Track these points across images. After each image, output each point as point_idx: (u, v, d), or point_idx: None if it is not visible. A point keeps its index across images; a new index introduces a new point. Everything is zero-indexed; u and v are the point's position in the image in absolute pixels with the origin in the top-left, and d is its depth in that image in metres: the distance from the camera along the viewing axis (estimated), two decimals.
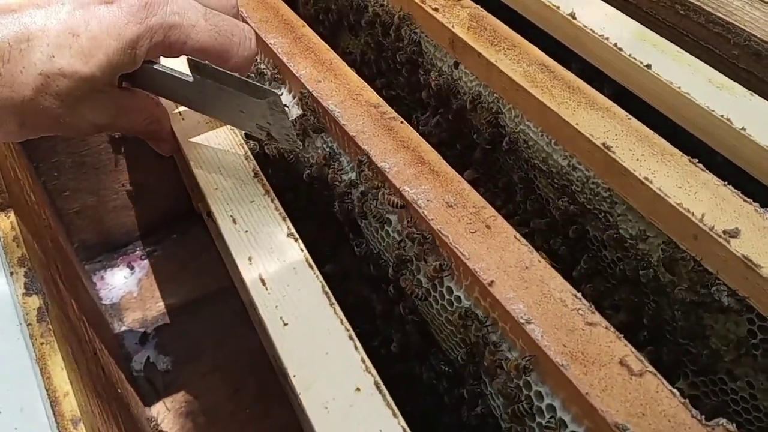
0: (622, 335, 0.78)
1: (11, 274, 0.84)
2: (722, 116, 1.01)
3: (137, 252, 2.01)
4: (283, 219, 0.91)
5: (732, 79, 1.08)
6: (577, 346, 0.77)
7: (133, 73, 0.89)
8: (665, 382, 0.74)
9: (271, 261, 0.85)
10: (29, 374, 0.74)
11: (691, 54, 1.13)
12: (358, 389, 0.72)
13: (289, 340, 0.77)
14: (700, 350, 0.95)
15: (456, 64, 1.23)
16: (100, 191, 1.87)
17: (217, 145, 1.01)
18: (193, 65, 0.90)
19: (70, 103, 0.83)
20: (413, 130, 1.04)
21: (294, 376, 0.74)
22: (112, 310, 1.88)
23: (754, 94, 1.05)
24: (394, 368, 1.14)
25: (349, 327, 0.78)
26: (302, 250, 0.87)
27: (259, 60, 1.25)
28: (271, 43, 1.20)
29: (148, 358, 1.73)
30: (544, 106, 1.06)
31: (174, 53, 0.90)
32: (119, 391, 1.23)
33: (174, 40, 0.86)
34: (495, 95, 1.15)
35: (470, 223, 0.90)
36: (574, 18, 1.20)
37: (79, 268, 1.70)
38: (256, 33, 1.21)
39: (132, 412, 1.31)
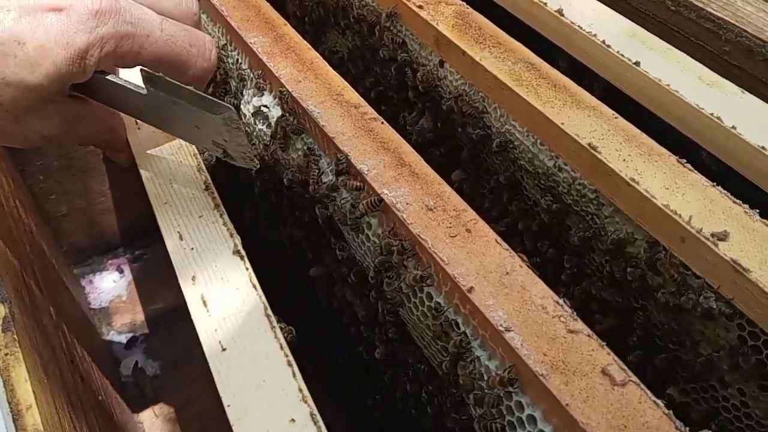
0: (605, 343, 0.75)
1: None
2: (712, 114, 0.99)
3: (127, 255, 1.99)
4: (231, 235, 0.88)
5: (723, 77, 1.05)
6: (558, 354, 0.74)
7: (84, 83, 0.85)
8: (648, 392, 0.71)
9: (215, 281, 0.82)
10: None
11: (682, 51, 1.11)
12: (293, 420, 0.70)
13: (226, 365, 0.75)
14: (690, 356, 0.93)
15: (441, 63, 1.20)
16: (87, 194, 1.85)
17: (170, 156, 0.98)
18: (146, 77, 0.87)
19: (17, 114, 0.80)
20: (394, 131, 1.02)
21: (228, 405, 0.71)
22: (101, 315, 1.86)
23: (745, 91, 1.02)
24: (381, 375, 1.12)
25: (288, 353, 0.75)
26: (247, 269, 0.84)
27: (240, 60, 1.23)
28: (251, 43, 1.18)
29: (137, 363, 1.71)
30: (529, 105, 1.03)
31: (127, 63, 0.86)
32: (100, 398, 1.21)
33: (126, 50, 0.83)
34: (480, 94, 1.12)
35: (450, 227, 0.88)
36: (562, 15, 1.17)
37: (65, 273, 1.68)
38: (236, 32, 1.19)
39: (116, 420, 1.29)
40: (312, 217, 1.09)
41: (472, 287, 0.81)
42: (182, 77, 0.88)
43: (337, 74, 1.12)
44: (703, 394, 0.93)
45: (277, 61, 1.14)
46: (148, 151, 0.99)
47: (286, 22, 1.23)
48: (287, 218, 1.24)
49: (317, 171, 1.03)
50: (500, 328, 0.76)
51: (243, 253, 0.85)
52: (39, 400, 0.74)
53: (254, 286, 0.82)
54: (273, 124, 1.11)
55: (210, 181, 0.94)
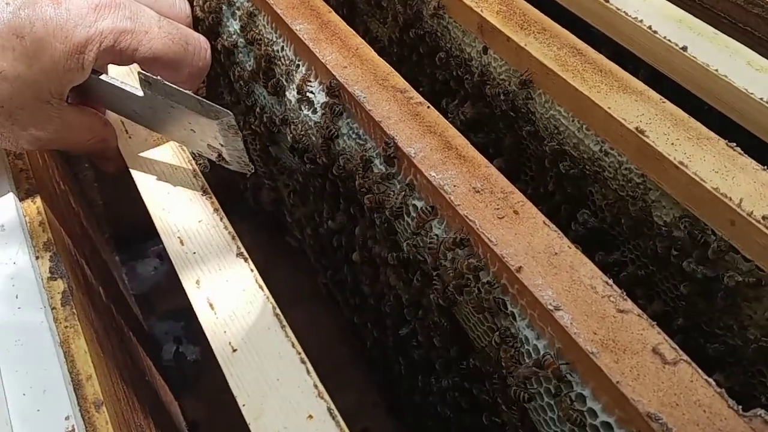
0: (655, 323, 0.75)
1: (36, 258, 0.84)
2: (761, 99, 0.98)
3: None
4: (233, 238, 0.89)
5: None
6: (608, 333, 0.74)
7: (80, 85, 0.86)
8: (700, 371, 0.71)
9: (220, 283, 0.83)
10: (53, 357, 0.73)
11: (730, 37, 1.10)
12: (310, 416, 0.70)
13: (238, 366, 0.75)
14: (738, 341, 0.92)
15: (485, 50, 1.20)
16: (128, 182, 1.87)
17: (164, 162, 0.98)
18: (144, 79, 0.87)
19: (11, 111, 0.79)
20: (440, 114, 1.02)
21: (243, 405, 0.72)
22: (142, 301, 1.89)
23: None
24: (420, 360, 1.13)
25: (300, 350, 0.76)
26: (252, 270, 0.85)
27: (285, 47, 1.24)
28: (297, 30, 1.19)
29: (177, 348, 1.74)
30: (575, 90, 1.03)
31: (125, 61, 0.86)
32: (147, 379, 1.23)
33: (125, 46, 0.83)
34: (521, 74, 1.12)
35: (498, 209, 0.88)
36: (608, 1, 1.17)
37: (108, 258, 1.71)
38: (282, 19, 1.21)
39: (162, 401, 1.31)
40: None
41: (520, 267, 0.81)
42: (178, 76, 0.88)
43: (382, 60, 1.13)
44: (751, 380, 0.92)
45: (323, 47, 1.15)
46: (143, 157, 0.99)
47: (331, 10, 1.24)
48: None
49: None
50: (549, 307, 0.77)
51: (246, 255, 0.85)
52: (98, 371, 0.76)
53: (261, 287, 0.83)
54: (318, 109, 1.12)
55: (207, 185, 0.94)
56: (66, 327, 0.78)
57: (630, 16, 1.14)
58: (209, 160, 1.01)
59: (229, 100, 1.55)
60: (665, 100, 0.99)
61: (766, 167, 0.89)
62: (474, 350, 0.95)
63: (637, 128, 0.95)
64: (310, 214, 1.41)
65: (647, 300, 1.06)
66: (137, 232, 1.98)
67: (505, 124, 1.21)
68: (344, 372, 1.68)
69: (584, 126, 1.04)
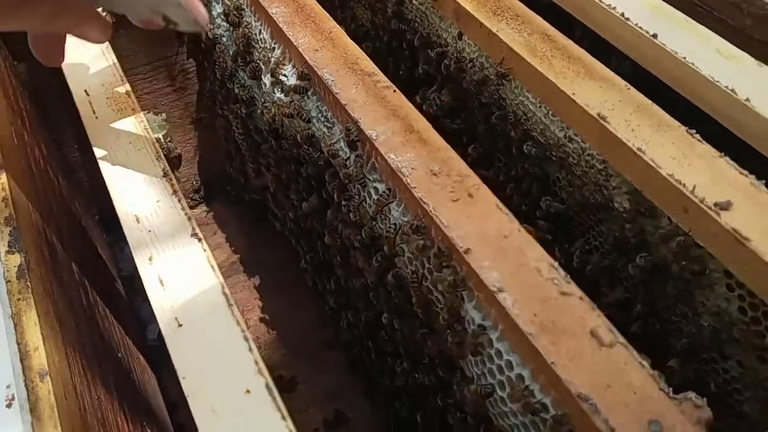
0: (595, 306, 0.76)
1: None
2: (726, 87, 0.97)
3: None
4: (189, 219, 0.90)
5: (745, 51, 1.04)
6: (549, 315, 0.75)
7: None
8: (636, 354, 0.72)
9: (172, 261, 0.84)
10: (0, 327, 0.75)
11: (704, 25, 1.09)
12: (248, 391, 0.71)
13: (181, 341, 0.77)
14: (692, 328, 0.92)
15: (460, 35, 1.21)
16: None
17: (128, 144, 0.99)
18: None
19: None
20: (405, 99, 1.03)
21: (183, 378, 0.73)
22: (131, 281, 1.91)
23: (762, 64, 1.01)
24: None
25: (245, 328, 0.77)
26: (205, 251, 0.86)
27: (262, 30, 1.25)
28: (272, 13, 1.20)
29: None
30: (542, 76, 1.03)
31: None
32: (119, 355, 1.25)
33: None
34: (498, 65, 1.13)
35: (453, 192, 0.89)
36: None
37: (97, 238, 1.73)
38: (259, 2, 1.21)
39: (134, 379, 1.33)
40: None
41: (468, 249, 0.82)
42: None
43: (354, 44, 1.13)
44: (704, 367, 0.92)
45: (297, 30, 1.16)
46: (107, 137, 1.00)
47: None
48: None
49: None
50: (493, 289, 0.77)
51: (201, 236, 0.86)
52: (47, 344, 0.77)
53: (212, 267, 0.84)
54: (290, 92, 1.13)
55: (168, 168, 0.95)
56: (18, 300, 0.80)
57: (604, 3, 1.13)
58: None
59: (214, 87, 1.56)
60: (630, 86, 0.99)
61: (723, 155, 0.89)
62: (431, 331, 0.96)
63: (599, 114, 0.95)
64: (288, 198, 1.42)
65: (610, 287, 1.06)
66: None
67: (479, 110, 1.21)
68: (323, 355, 1.70)
69: (550, 112, 1.05)
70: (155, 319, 1.79)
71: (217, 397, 0.71)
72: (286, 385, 1.67)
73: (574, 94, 0.99)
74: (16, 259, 0.84)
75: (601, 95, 0.98)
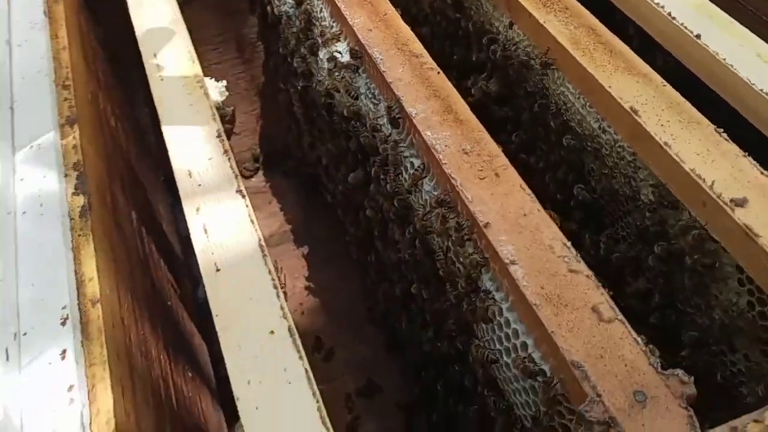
0: (600, 285, 0.80)
1: (65, 175, 0.96)
2: (761, 90, 1.00)
3: None
4: (235, 177, 0.97)
5: None
6: (555, 289, 0.80)
7: None
8: (632, 332, 0.76)
9: (217, 213, 0.92)
10: (63, 258, 0.84)
11: (751, 29, 1.11)
12: (272, 332, 0.79)
13: (218, 284, 0.84)
14: (705, 320, 0.95)
15: (511, 25, 1.25)
16: None
17: (188, 105, 1.07)
18: None
19: None
20: (447, 81, 1.08)
21: (216, 315, 0.81)
22: (187, 243, 2.02)
23: None
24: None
25: (275, 277, 0.84)
26: (247, 206, 0.93)
27: (323, 9, 1.32)
28: None
29: None
30: (582, 67, 1.07)
31: None
32: (169, 304, 1.35)
33: None
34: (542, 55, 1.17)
35: (481, 170, 0.94)
36: None
37: (159, 198, 1.84)
38: None
39: (181, 328, 1.43)
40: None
41: (488, 223, 0.87)
42: None
43: (406, 26, 1.19)
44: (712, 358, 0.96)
45: (354, 11, 1.22)
46: (170, 99, 1.08)
47: None
48: None
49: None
50: (506, 261, 0.83)
51: (245, 192, 0.94)
52: (101, 277, 0.86)
53: (252, 221, 0.91)
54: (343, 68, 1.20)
55: (222, 129, 1.03)
56: (79, 235, 0.89)
57: (652, 1, 1.16)
58: None
59: (278, 61, 1.65)
60: (666, 83, 1.02)
61: (747, 154, 0.92)
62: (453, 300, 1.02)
63: (631, 107, 0.99)
64: (337, 171, 1.50)
65: (634, 277, 1.10)
66: None
67: (524, 99, 1.25)
68: (362, 328, 1.77)
69: (587, 103, 1.08)
70: None
71: (244, 335, 0.79)
72: (324, 354, 1.75)
73: (610, 87, 1.02)
74: (80, 200, 0.93)
75: (637, 90, 1.02)
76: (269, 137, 2.13)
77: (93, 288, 0.84)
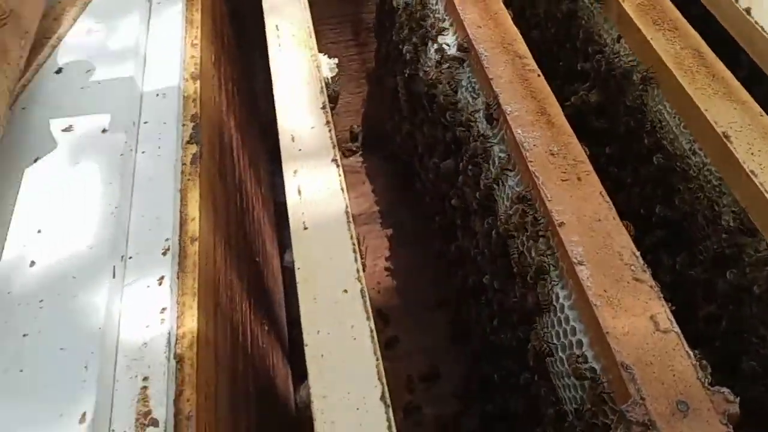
0: (662, 296, 0.83)
1: (183, 125, 1.05)
2: None
3: None
4: (333, 147, 1.03)
5: None
6: (616, 294, 0.83)
7: None
8: (686, 345, 0.78)
9: (312, 177, 0.99)
10: (171, 197, 0.93)
11: None
12: (345, 291, 0.85)
13: (303, 241, 0.91)
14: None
15: (619, 38, 1.27)
16: None
17: (299, 76, 1.14)
18: None
19: None
20: (546, 84, 1.12)
21: (299, 268, 0.88)
22: (281, 208, 2.12)
23: None
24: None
25: (356, 242, 0.90)
26: (339, 175, 0.99)
27: (438, 3, 1.37)
28: None
29: None
30: (682, 88, 1.08)
31: None
32: (257, 260, 1.45)
33: None
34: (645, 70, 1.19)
35: (564, 172, 0.98)
36: (749, 13, 1.19)
37: (261, 163, 1.95)
38: None
39: (264, 284, 1.53)
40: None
41: (563, 223, 0.91)
42: None
43: (514, 27, 1.23)
44: None
45: (467, 6, 1.28)
46: (284, 69, 1.16)
47: None
48: None
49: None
50: (574, 261, 0.87)
51: (339, 162, 1.01)
52: (201, 219, 0.95)
53: (342, 189, 0.98)
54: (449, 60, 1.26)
55: (327, 102, 1.10)
56: (188, 180, 0.98)
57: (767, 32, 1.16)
58: None
59: (390, 47, 1.71)
60: (764, 113, 1.03)
61: None
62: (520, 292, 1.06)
63: (724, 133, 1.00)
64: (430, 160, 1.55)
65: (706, 301, 1.11)
66: None
67: (621, 112, 1.27)
68: (432, 314, 1.83)
69: (682, 124, 1.10)
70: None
71: (320, 289, 0.86)
72: (390, 337, 1.81)
73: (706, 110, 1.04)
74: (193, 148, 1.03)
75: (733, 116, 1.03)
76: (371, 120, 2.21)
77: (194, 227, 0.93)
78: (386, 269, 2.00)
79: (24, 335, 0.75)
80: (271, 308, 1.56)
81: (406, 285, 1.94)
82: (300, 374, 1.77)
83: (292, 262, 1.68)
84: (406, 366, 1.75)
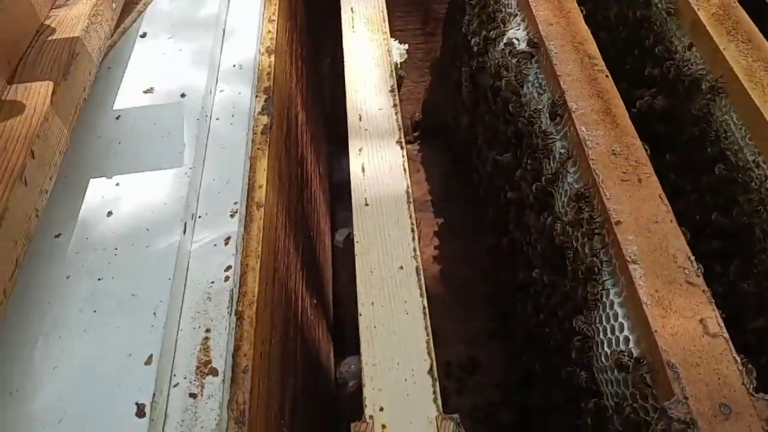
0: (713, 302, 0.84)
1: (256, 96, 1.09)
2: None
3: None
4: (399, 129, 1.06)
5: None
6: (668, 295, 0.84)
7: None
8: (733, 350, 0.79)
9: (375, 156, 1.02)
10: (240, 165, 0.97)
11: None
12: (401, 267, 0.88)
13: (364, 216, 0.94)
14: None
15: (690, 46, 1.27)
16: None
17: (371, 58, 1.17)
18: None
19: None
20: (614, 85, 1.13)
21: (357, 242, 0.91)
22: (338, 188, 2.17)
23: None
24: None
25: (414, 222, 0.93)
26: (403, 157, 1.02)
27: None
28: None
29: (349, 234, 1.99)
30: (750, 99, 1.08)
31: None
32: (311, 234, 1.49)
33: None
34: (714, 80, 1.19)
35: (625, 173, 0.99)
36: None
37: (320, 142, 1.99)
38: None
39: (317, 258, 1.57)
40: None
41: (620, 221, 0.92)
42: None
43: (586, 27, 1.24)
44: None
45: (540, 3, 1.29)
46: (360, 51, 1.19)
47: None
48: None
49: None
50: (628, 259, 0.88)
51: (404, 144, 1.04)
52: (268, 186, 0.99)
53: (404, 170, 1.00)
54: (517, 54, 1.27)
55: (395, 85, 1.13)
56: (258, 148, 1.02)
57: None
58: None
59: (458, 39, 1.73)
60: None
61: None
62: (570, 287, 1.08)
63: None
64: (489, 152, 1.57)
65: (756, 314, 1.11)
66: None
67: (686, 121, 1.27)
68: (476, 306, 1.85)
69: (747, 136, 1.10)
70: (345, 224, 2.05)
71: (377, 263, 0.89)
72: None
73: None
74: (264, 119, 1.07)
75: None
76: (432, 109, 2.23)
77: (260, 194, 0.97)
78: (434, 257, 2.02)
79: (99, 279, 0.79)
80: (320, 283, 1.60)
81: (452, 274, 1.96)
82: (342, 352, 1.81)
83: (342, 241, 1.73)
84: (445, 354, 1.78)
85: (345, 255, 1.98)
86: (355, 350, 1.63)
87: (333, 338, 1.74)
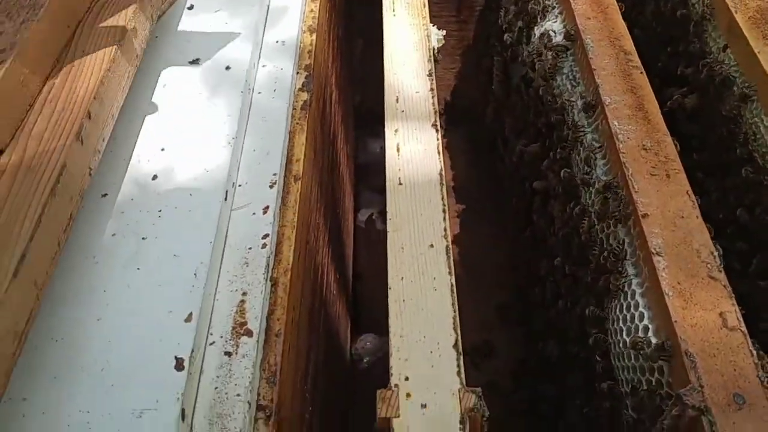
0: (733, 297, 0.86)
1: (297, 73, 1.12)
2: None
3: None
4: (435, 112, 1.08)
5: None
6: (689, 287, 0.87)
7: None
8: (750, 344, 0.82)
9: (411, 137, 1.05)
10: (280, 137, 1.00)
11: None
12: (431, 245, 0.91)
13: (397, 195, 0.97)
14: None
15: (725, 48, 1.28)
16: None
17: (411, 42, 1.20)
18: None
19: None
20: (648, 82, 1.15)
21: (390, 219, 0.94)
22: (363, 169, 2.19)
23: None
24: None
25: (446, 203, 0.96)
26: (437, 140, 1.04)
27: None
28: None
29: (372, 215, 2.03)
30: None
31: None
32: (338, 211, 1.52)
33: None
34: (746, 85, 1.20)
35: (654, 167, 1.01)
36: None
37: (347, 124, 2.02)
38: None
39: (341, 233, 1.60)
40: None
41: (646, 214, 0.95)
42: None
43: (623, 23, 1.26)
44: None
45: None
46: (398, 34, 1.22)
47: None
48: None
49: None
50: (653, 251, 0.90)
51: (438, 127, 1.06)
52: (304, 160, 1.02)
53: (438, 153, 1.03)
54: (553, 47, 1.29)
55: (433, 70, 1.15)
56: (296, 123, 1.05)
57: None
58: None
59: (492, 29, 1.75)
60: None
61: None
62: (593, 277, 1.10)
63: None
64: (516, 141, 1.59)
65: None
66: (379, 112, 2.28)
67: (716, 121, 1.29)
68: (495, 292, 1.87)
69: None
70: (367, 205, 2.08)
71: (408, 241, 0.92)
72: None
73: None
74: (304, 96, 1.10)
75: None
76: (460, 97, 2.25)
77: (298, 167, 1.00)
78: (454, 244, 2.04)
79: (143, 238, 0.83)
80: (342, 260, 1.63)
81: (472, 261, 1.99)
82: (358, 329, 1.85)
83: (364, 221, 1.76)
84: (464, 337, 1.80)
85: (366, 235, 2.01)
86: (370, 328, 1.67)
87: (350, 315, 1.77)
